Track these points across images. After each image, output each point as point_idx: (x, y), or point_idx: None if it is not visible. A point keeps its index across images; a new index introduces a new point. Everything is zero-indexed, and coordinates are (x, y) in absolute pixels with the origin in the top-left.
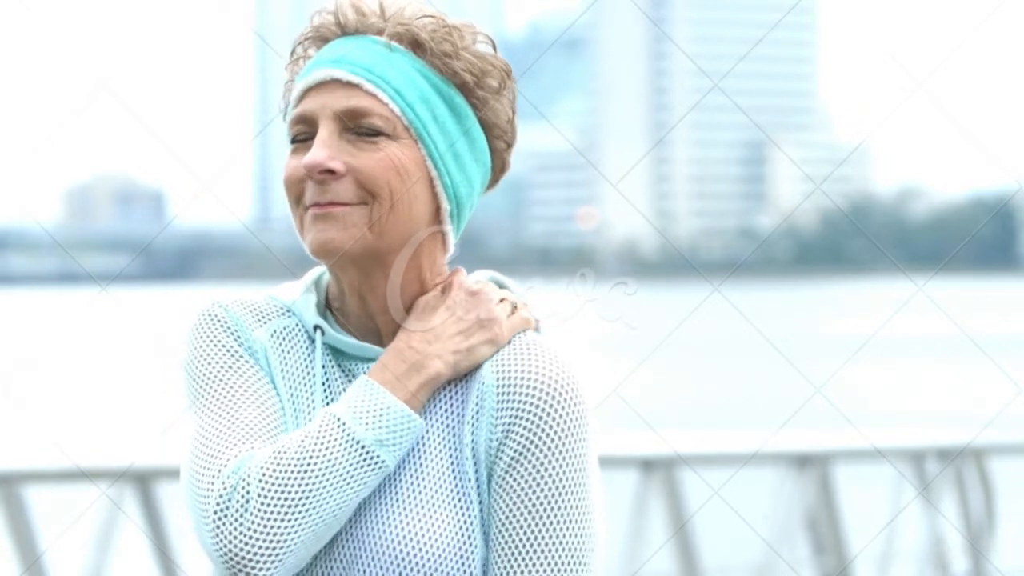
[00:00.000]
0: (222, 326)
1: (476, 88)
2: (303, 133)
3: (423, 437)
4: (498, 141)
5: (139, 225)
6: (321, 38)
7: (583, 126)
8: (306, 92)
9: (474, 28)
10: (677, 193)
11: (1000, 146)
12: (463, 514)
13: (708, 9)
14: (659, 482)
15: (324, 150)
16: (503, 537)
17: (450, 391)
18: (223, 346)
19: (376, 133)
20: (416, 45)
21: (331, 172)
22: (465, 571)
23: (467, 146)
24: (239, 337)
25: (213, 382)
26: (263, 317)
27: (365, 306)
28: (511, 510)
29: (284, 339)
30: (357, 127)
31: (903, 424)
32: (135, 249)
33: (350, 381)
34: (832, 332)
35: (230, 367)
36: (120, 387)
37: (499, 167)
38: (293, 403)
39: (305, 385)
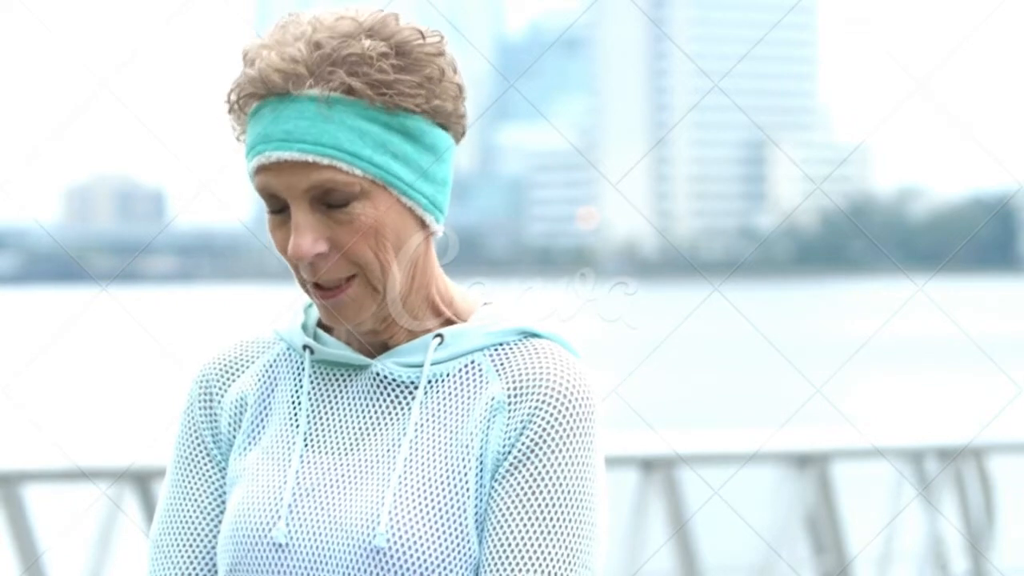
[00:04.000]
0: (199, 401)
1: (423, 102)
2: (272, 203)
3: (419, 443)
4: (455, 124)
5: (139, 225)
6: (256, 95)
7: (583, 126)
8: (260, 166)
9: (395, 18)
10: (677, 193)
11: (1000, 146)
12: (456, 517)
13: (708, 9)
14: (659, 482)
15: (306, 235)
16: (500, 532)
17: (453, 402)
18: (192, 432)
19: (347, 202)
20: (350, 91)
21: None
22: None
23: (432, 158)
24: (212, 408)
25: (174, 469)
26: (246, 363)
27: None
28: (511, 506)
29: (276, 367)
30: (328, 202)
31: (903, 424)
32: (135, 249)
33: (339, 387)
34: (832, 332)
35: (188, 459)
36: (120, 387)
37: (460, 134)
38: (280, 419)
39: (291, 401)
